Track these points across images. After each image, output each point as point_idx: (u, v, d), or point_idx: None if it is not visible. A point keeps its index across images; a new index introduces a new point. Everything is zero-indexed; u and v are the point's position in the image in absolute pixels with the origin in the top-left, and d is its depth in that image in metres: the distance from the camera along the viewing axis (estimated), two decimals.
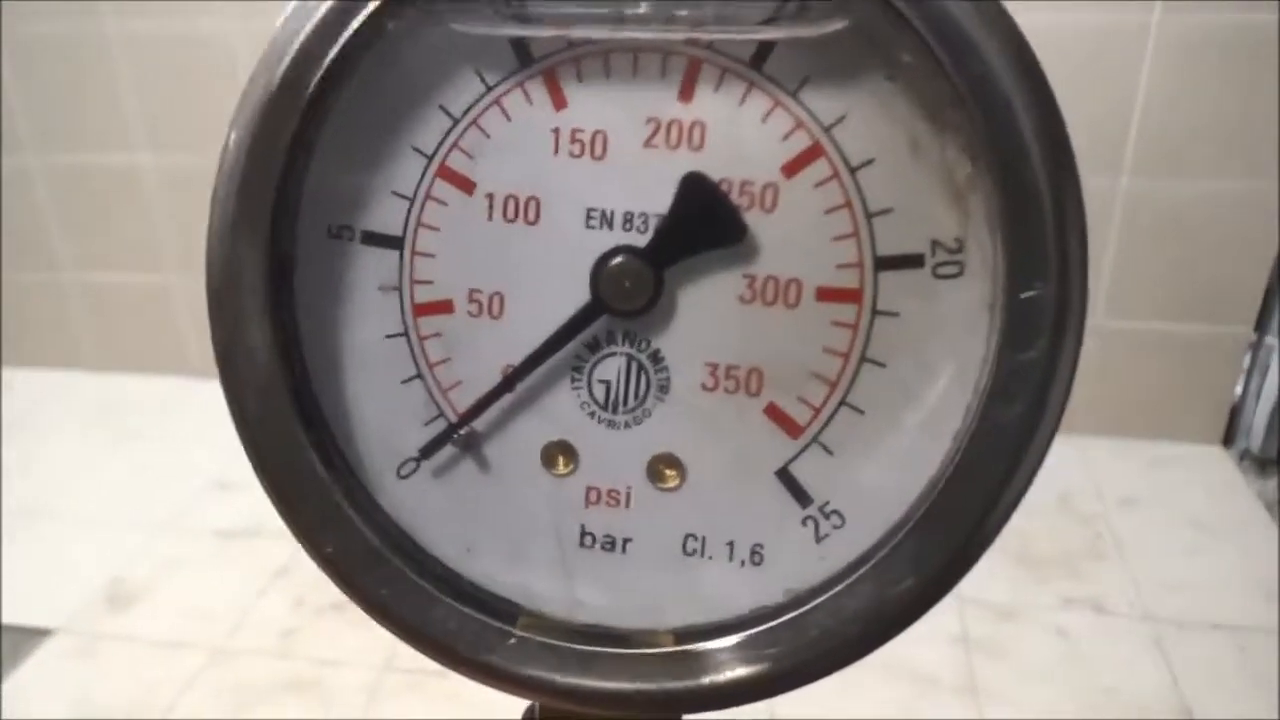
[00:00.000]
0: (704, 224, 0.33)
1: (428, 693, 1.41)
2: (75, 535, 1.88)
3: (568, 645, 0.35)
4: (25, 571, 1.77)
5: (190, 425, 2.04)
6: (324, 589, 0.38)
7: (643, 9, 0.33)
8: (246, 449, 0.36)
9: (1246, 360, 1.79)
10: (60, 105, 1.97)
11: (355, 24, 0.33)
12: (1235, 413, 1.81)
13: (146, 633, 1.61)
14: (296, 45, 0.33)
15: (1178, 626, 1.52)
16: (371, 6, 0.33)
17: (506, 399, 0.36)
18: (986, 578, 1.65)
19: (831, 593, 0.33)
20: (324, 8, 0.33)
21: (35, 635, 1.59)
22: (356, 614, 0.36)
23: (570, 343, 0.35)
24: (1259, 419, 1.78)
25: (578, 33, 0.33)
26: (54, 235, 2.14)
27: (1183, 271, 1.78)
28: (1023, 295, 0.30)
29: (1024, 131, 0.29)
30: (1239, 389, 1.81)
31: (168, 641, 1.59)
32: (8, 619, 1.64)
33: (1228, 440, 1.83)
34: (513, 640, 0.35)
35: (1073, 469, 1.94)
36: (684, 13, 0.33)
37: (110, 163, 2.00)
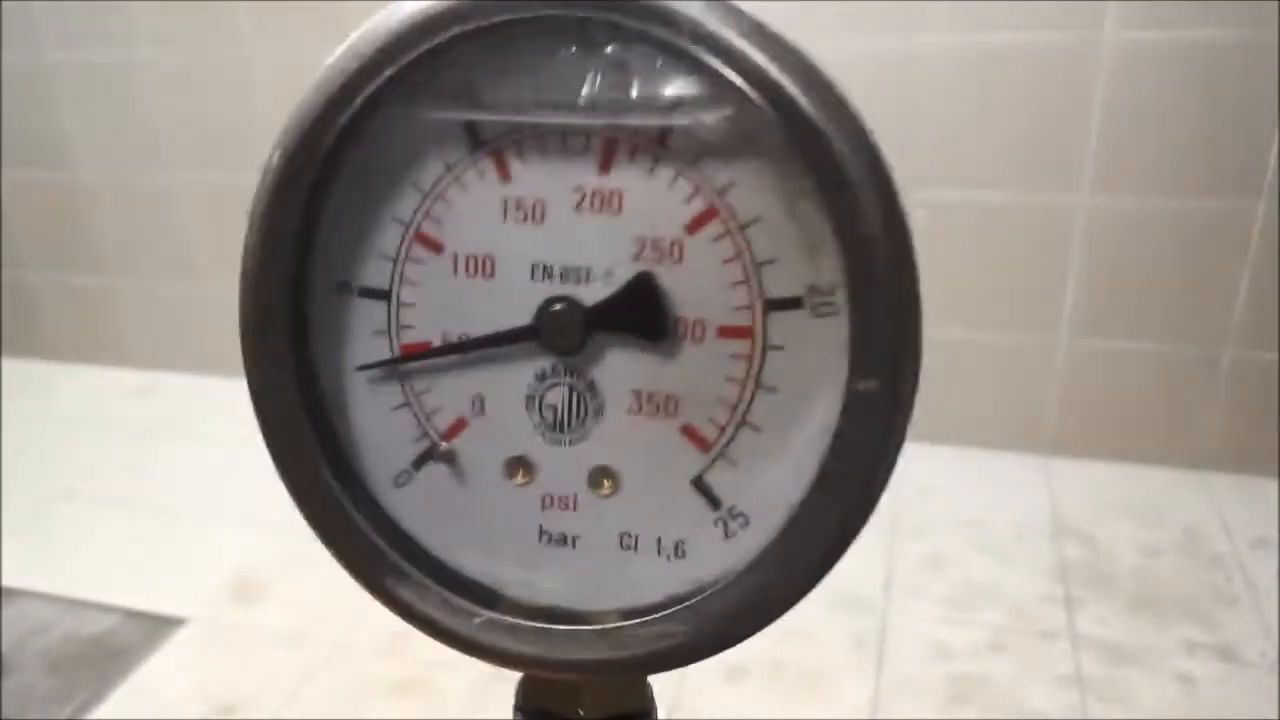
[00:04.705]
0: (635, 317, 0.40)
1: None
2: (208, 531, 2.06)
3: (527, 623, 0.43)
4: (163, 564, 1.96)
5: None
6: None
7: (579, 101, 0.40)
8: (276, 467, 0.45)
9: None
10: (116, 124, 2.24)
11: (342, 123, 0.41)
12: None
13: (270, 625, 1.76)
14: (298, 139, 0.41)
15: None
16: (353, 110, 0.41)
17: (476, 420, 0.44)
18: (1102, 616, 1.53)
19: (728, 581, 0.40)
20: (315, 112, 0.41)
21: (170, 623, 1.78)
22: None
23: (504, 345, 0.42)
24: None
25: (521, 119, 0.41)
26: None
27: None
28: (865, 357, 0.35)
29: (866, 208, 0.35)
30: None
31: (289, 634, 1.73)
32: (146, 607, 1.83)
33: None
34: (479, 619, 0.43)
35: (1199, 506, 1.79)
36: (605, 103, 0.39)
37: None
